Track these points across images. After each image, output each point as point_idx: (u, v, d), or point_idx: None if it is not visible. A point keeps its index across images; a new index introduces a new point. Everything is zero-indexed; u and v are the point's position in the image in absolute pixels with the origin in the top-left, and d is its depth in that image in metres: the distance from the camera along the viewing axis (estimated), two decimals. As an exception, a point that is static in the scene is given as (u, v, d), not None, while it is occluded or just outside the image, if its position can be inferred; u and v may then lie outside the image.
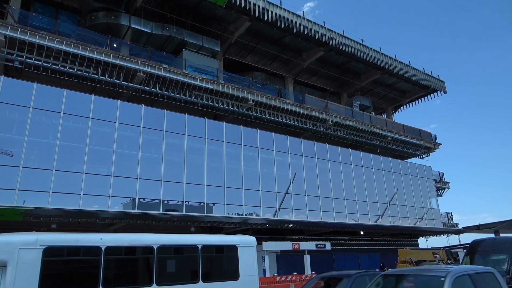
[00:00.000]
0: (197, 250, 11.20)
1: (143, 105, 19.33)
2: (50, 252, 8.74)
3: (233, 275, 11.73)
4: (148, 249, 10.43)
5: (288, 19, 25.38)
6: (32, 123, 15.93)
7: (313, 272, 20.51)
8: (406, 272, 7.73)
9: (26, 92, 16.08)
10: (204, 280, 10.95)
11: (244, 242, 12.47)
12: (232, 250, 12.05)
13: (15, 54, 17.17)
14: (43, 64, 17.76)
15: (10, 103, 15.67)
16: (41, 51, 17.66)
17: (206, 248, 11.52)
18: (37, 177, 15.50)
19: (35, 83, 16.44)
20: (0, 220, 15.24)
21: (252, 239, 12.89)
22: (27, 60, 17.42)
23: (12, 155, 15.13)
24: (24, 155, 15.34)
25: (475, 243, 16.30)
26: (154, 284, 9.97)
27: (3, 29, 16.60)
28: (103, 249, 9.47)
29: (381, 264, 27.62)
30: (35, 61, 17.57)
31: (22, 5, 20.26)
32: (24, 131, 15.64)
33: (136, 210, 17.48)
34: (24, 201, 14.87)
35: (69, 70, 18.37)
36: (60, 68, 18.15)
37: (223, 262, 12.21)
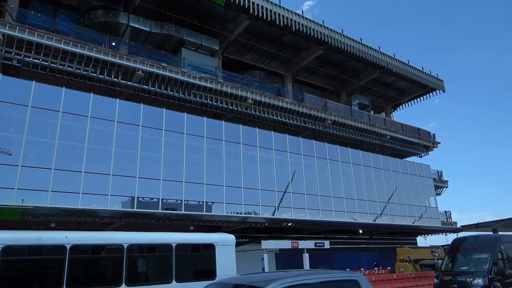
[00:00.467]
0: (171, 249, 10.84)
1: (142, 104, 19.30)
2: (8, 251, 8.44)
3: (210, 274, 11.40)
4: (117, 248, 10.06)
5: (287, 17, 25.36)
6: (30, 122, 15.89)
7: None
8: (233, 281, 6.21)
9: (25, 90, 16.04)
10: (178, 280, 10.61)
11: (223, 240, 12.13)
12: (209, 248, 11.70)
13: (13, 53, 17.11)
14: (42, 62, 17.70)
15: (9, 101, 15.63)
16: (39, 49, 17.60)
17: (181, 246, 11.18)
18: (36, 176, 15.47)
19: (34, 81, 16.40)
20: (-2, 219, 15.23)
21: (231, 237, 12.53)
22: (26, 58, 17.37)
23: (11, 154, 15.10)
24: (23, 154, 15.31)
25: (456, 241, 15.79)
26: (123, 284, 9.64)
27: (1, 28, 16.53)
28: (68, 248, 9.15)
29: (375, 263, 27.68)
30: (33, 60, 17.52)
31: (20, 4, 20.21)
32: (22, 130, 15.60)
33: (135, 209, 17.47)
34: (23, 200, 14.84)
35: (67, 68, 18.32)
36: (59, 66, 18.09)
37: (199, 261, 11.82)
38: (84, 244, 9.67)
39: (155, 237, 11.23)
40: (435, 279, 15.16)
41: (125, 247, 10.06)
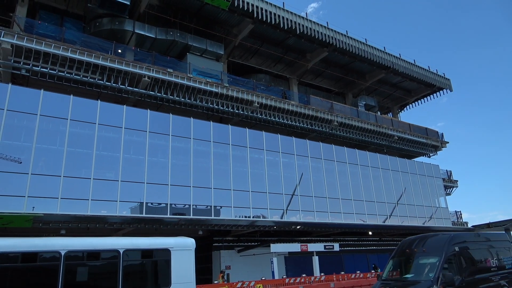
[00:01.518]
0: (118, 256, 9.77)
1: (148, 110, 19.42)
2: None
3: (164, 283, 10.40)
4: (53, 256, 9.04)
5: (291, 20, 25.40)
6: (39, 130, 16.06)
7: (322, 274, 20.41)
8: None
9: (33, 99, 16.23)
10: None
11: (180, 245, 11.11)
12: (163, 254, 10.66)
13: (22, 62, 17.36)
14: (49, 71, 17.92)
15: (18, 110, 15.82)
16: (47, 58, 17.83)
17: (130, 252, 10.16)
18: (46, 184, 15.61)
19: (42, 90, 16.59)
20: (9, 226, 15.38)
21: (189, 241, 11.50)
22: (34, 67, 17.60)
23: (21, 162, 15.26)
24: (33, 162, 15.46)
25: (404, 243, 13.27)
26: None
27: (9, 38, 16.79)
28: None
29: (373, 265, 27.40)
30: (41, 69, 17.75)
31: (28, 14, 20.52)
32: (32, 138, 15.78)
33: (144, 215, 17.52)
34: (33, 207, 14.97)
35: (75, 76, 18.52)
36: (66, 75, 18.30)
37: (152, 268, 10.81)
38: (12, 252, 8.67)
39: (99, 242, 10.25)
40: None
41: (62, 254, 9.05)
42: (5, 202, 14.47)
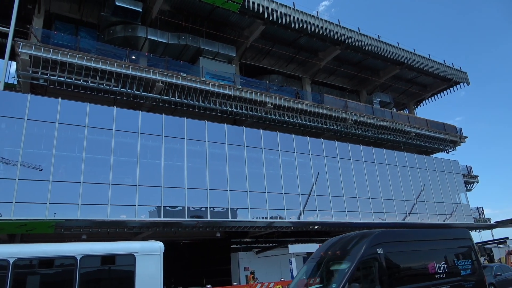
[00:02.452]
0: (75, 263, 9.09)
1: (163, 115, 19.64)
2: None
3: None
4: (0, 264, 8.38)
5: (302, 20, 25.32)
6: (58, 137, 16.42)
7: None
8: None
9: (52, 108, 16.61)
10: None
11: (146, 249, 10.40)
12: (127, 260, 9.94)
13: (40, 72, 17.80)
14: (66, 80, 18.32)
15: (38, 119, 16.23)
16: (64, 67, 18.24)
17: (88, 259, 9.43)
18: (66, 190, 15.94)
19: (60, 99, 16.97)
20: (33, 233, 15.77)
21: (157, 245, 10.76)
22: (51, 77, 18.03)
23: (42, 170, 15.64)
24: (53, 169, 15.82)
25: (326, 242, 11.31)
26: None
27: (28, 49, 17.25)
28: None
29: None
30: (58, 78, 18.16)
31: (44, 25, 21.05)
32: (51, 146, 16.14)
33: (162, 218, 17.70)
34: (55, 213, 15.32)
35: (91, 84, 18.88)
36: (82, 83, 18.69)
37: (114, 275, 10.04)
38: None
39: (54, 249, 9.53)
40: None
41: (11, 262, 8.46)
42: (28, 209, 14.84)
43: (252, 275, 20.40)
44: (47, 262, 9.10)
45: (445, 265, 10.68)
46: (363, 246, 9.43)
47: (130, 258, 9.94)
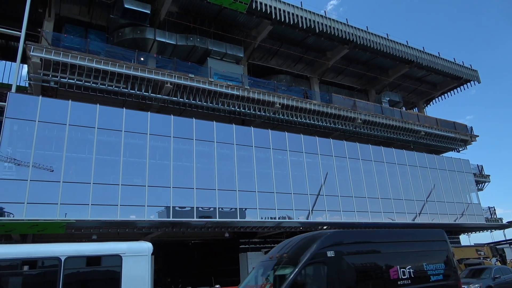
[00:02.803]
0: (59, 264, 8.76)
1: (172, 116, 19.76)
2: None
3: None
4: None
5: (309, 19, 25.26)
6: (69, 139, 16.64)
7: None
8: None
9: (62, 110, 16.84)
10: None
11: (133, 250, 10.03)
12: (113, 261, 9.63)
13: (50, 75, 18.07)
14: (76, 82, 18.56)
15: (49, 121, 16.47)
16: (74, 70, 18.48)
17: (73, 260, 9.10)
18: (76, 191, 16.15)
19: (70, 101, 17.20)
20: (44, 233, 16.01)
21: (145, 246, 10.43)
22: (62, 79, 18.27)
23: (53, 171, 15.87)
24: (64, 170, 16.05)
25: (281, 243, 10.40)
26: None
27: (38, 52, 17.52)
28: None
29: None
30: (69, 80, 18.40)
31: (54, 28, 21.36)
32: (62, 147, 16.37)
33: (171, 218, 17.81)
34: (66, 214, 15.53)
35: (100, 86, 19.09)
36: (92, 85, 18.91)
37: (99, 277, 9.73)
38: None
39: (37, 249, 9.24)
40: None
41: None
42: (40, 210, 15.08)
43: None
44: (30, 263, 8.83)
45: (411, 270, 9.62)
46: (312, 249, 8.55)
47: (116, 259, 9.66)
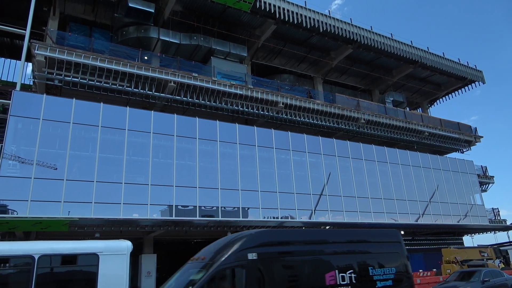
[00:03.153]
0: (32, 262, 8.46)
1: (175, 114, 19.79)
2: None
3: None
4: None
5: (313, 19, 25.21)
6: (72, 137, 16.70)
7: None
8: None
9: (66, 108, 16.91)
10: None
11: (111, 249, 9.69)
12: (90, 260, 9.30)
13: (54, 73, 18.13)
14: (80, 80, 18.61)
15: (53, 119, 16.54)
16: (78, 68, 18.54)
17: (47, 258, 8.80)
18: (80, 189, 16.21)
19: (74, 99, 17.26)
20: (47, 231, 16.08)
21: (124, 244, 10.05)
22: (66, 78, 18.34)
23: (56, 169, 15.93)
24: (67, 168, 16.11)
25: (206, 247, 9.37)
26: None
27: (43, 51, 17.58)
28: None
29: None
30: (73, 78, 18.46)
31: (59, 26, 21.43)
32: (66, 146, 16.43)
33: (173, 217, 17.84)
34: (69, 212, 15.59)
35: (104, 84, 19.15)
36: (96, 83, 18.96)
37: (75, 276, 9.43)
38: None
39: (9, 247, 9.01)
40: None
41: None
42: (43, 207, 15.16)
43: None
44: (2, 261, 8.56)
45: (352, 275, 8.44)
46: (230, 251, 7.62)
47: (93, 258, 9.35)
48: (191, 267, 8.14)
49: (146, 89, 20.23)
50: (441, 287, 17.32)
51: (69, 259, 9.33)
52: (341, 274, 8.29)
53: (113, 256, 9.59)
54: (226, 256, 7.45)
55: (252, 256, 7.57)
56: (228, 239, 8.43)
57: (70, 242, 10.15)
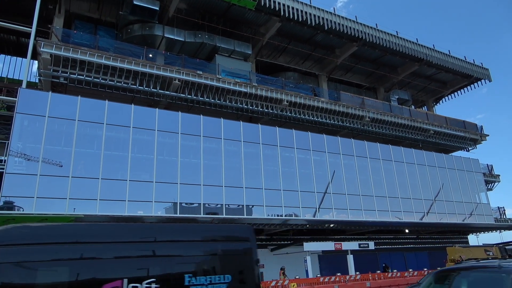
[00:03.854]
0: None
1: (180, 112, 19.83)
2: None
3: None
4: None
5: (318, 16, 25.11)
6: (78, 135, 16.81)
7: (357, 272, 20.07)
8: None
9: (72, 106, 17.01)
10: None
11: None
12: None
13: (60, 71, 18.23)
14: (86, 78, 18.70)
15: (58, 117, 16.65)
16: (83, 66, 18.62)
17: None
18: (85, 186, 16.32)
19: (79, 96, 17.34)
20: (53, 227, 16.19)
21: None
22: (71, 75, 18.44)
23: (62, 166, 16.04)
24: (73, 165, 16.21)
25: None
26: None
27: (48, 48, 17.68)
28: None
29: (384, 265, 26.46)
30: (78, 76, 18.56)
31: (64, 24, 21.51)
32: (71, 143, 16.54)
33: (178, 215, 17.91)
34: (74, 209, 15.71)
35: (109, 82, 19.22)
36: (101, 81, 19.04)
37: None
38: None
39: None
40: None
41: None
42: (49, 204, 15.28)
43: (282, 271, 20.46)
44: None
45: (153, 285, 6.04)
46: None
47: None
48: None
49: (151, 87, 20.28)
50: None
51: None
52: (132, 285, 5.89)
53: None
54: None
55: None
56: None
57: None
